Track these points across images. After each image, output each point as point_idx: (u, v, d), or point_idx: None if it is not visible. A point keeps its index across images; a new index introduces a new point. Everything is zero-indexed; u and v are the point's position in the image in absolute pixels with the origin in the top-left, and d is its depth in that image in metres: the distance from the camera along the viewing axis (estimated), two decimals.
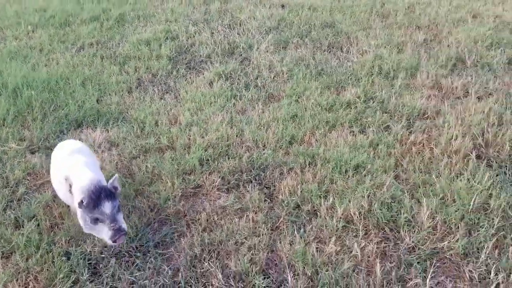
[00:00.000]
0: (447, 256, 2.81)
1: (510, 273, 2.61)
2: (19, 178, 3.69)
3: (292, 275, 2.72)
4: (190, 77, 5.32)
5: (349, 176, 3.46)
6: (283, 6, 7.36)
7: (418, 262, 2.78)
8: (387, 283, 2.66)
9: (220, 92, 4.81)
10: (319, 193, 3.31)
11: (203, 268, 2.81)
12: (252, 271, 2.76)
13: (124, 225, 2.53)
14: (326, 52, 5.68)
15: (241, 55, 5.78)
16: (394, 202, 3.18)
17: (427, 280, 2.63)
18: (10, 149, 4.06)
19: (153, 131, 4.29)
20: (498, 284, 2.57)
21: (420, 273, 2.70)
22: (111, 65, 5.66)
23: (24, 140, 4.24)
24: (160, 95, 4.98)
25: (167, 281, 2.73)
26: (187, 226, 3.19)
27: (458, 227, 2.93)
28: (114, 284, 2.75)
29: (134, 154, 3.97)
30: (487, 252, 2.75)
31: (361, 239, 2.93)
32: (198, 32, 6.55)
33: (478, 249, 2.80)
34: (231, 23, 6.80)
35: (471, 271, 2.68)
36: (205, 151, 3.87)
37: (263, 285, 2.66)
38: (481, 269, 2.68)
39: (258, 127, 4.15)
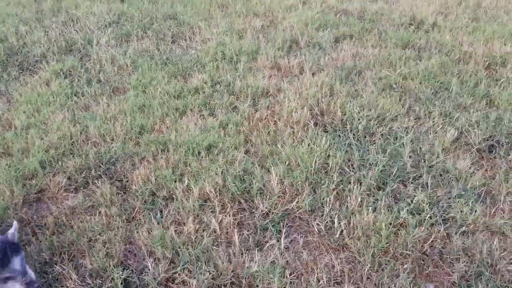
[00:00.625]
0: (297, 215, 3.00)
1: (350, 220, 2.87)
2: None
3: (152, 260, 2.65)
4: (24, 79, 4.84)
5: (202, 157, 3.48)
6: (122, 0, 7.09)
7: (272, 226, 2.92)
8: (246, 249, 2.74)
9: (59, 91, 4.46)
10: (174, 177, 3.27)
11: (54, 272, 2.59)
12: (109, 265, 2.62)
13: (33, 276, 2.28)
14: (170, 42, 5.64)
15: (80, 51, 5.43)
16: (246, 175, 3.29)
17: (282, 239, 2.77)
18: None
19: None
20: (342, 231, 2.82)
21: (274, 235, 2.84)
22: None
23: None
24: None
25: None
26: (33, 233, 2.90)
27: (304, 187, 3.14)
28: None
29: None
30: (330, 205, 3.00)
31: (218, 214, 2.97)
32: (30, 32, 5.98)
33: (322, 204, 3.04)
34: (67, 20, 6.35)
35: (318, 224, 2.90)
36: (47, 152, 3.56)
37: (123, 276, 2.54)
38: (326, 221, 2.92)
39: (104, 122, 3.95)
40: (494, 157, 3.45)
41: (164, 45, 5.49)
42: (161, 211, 3.03)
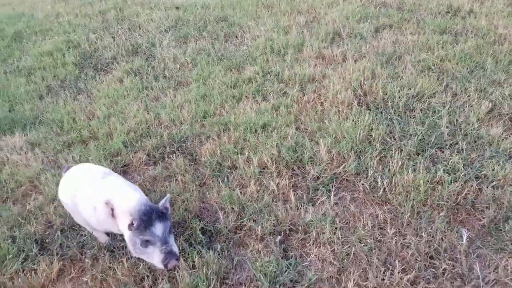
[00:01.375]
0: (344, 178, 3.42)
1: (392, 180, 3.26)
2: None
3: (222, 213, 3.16)
4: (100, 78, 5.54)
5: (258, 134, 3.97)
6: (177, 8, 7.76)
7: (322, 186, 3.35)
8: (301, 205, 3.19)
9: (131, 86, 5.11)
10: (236, 151, 3.78)
11: None
12: (188, 217, 3.15)
13: (176, 249, 2.30)
14: (223, 41, 6.20)
15: (145, 53, 6.09)
16: (298, 146, 3.74)
17: (331, 196, 3.21)
18: None
19: (72, 128, 4.49)
20: (384, 189, 3.22)
21: (324, 193, 3.28)
22: (17, 78, 5.68)
23: None
24: (73, 97, 5.15)
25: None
26: None
27: (349, 155, 3.55)
28: (63, 251, 2.99)
29: (58, 149, 4.16)
30: (374, 168, 3.40)
31: (275, 178, 3.44)
32: (100, 38, 6.73)
33: (366, 168, 3.44)
34: (130, 27, 7.07)
35: (363, 184, 3.31)
36: (127, 135, 4.17)
37: (200, 226, 3.06)
38: (370, 181, 3.32)
39: (173, 109, 4.53)
40: None
41: (219, 44, 6.05)
42: (227, 177, 3.53)
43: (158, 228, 2.25)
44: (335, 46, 5.50)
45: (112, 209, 2.34)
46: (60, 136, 4.39)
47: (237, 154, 3.73)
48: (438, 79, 4.46)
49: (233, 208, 3.17)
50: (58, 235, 3.10)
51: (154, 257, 2.26)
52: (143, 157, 3.88)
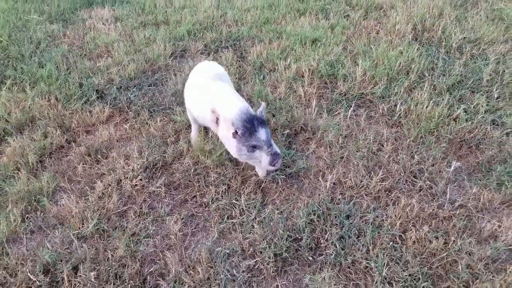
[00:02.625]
0: (368, 98, 3.62)
1: (410, 107, 3.41)
2: (41, 38, 4.48)
3: (249, 103, 3.56)
4: None
5: (307, 46, 4.21)
6: None
7: (345, 101, 3.60)
8: (319, 113, 3.49)
9: None
10: (280, 56, 4.08)
11: (182, 97, 3.65)
12: None
13: (278, 150, 2.38)
14: None
15: None
16: (337, 63, 3.95)
17: (350, 110, 3.46)
18: (33, 19, 4.81)
19: (151, 11, 5.02)
20: (400, 115, 3.39)
21: (344, 107, 3.52)
22: None
23: (44, 13, 4.97)
24: None
25: (155, 101, 3.59)
26: (174, 76, 4.00)
27: (382, 80, 3.71)
28: (115, 102, 3.61)
29: (135, 26, 4.73)
30: (399, 96, 3.55)
31: (306, 86, 3.73)
32: None
33: (392, 94, 3.60)
34: None
35: (383, 106, 3.49)
36: (193, 25, 4.62)
37: None
38: (390, 105, 3.49)
39: (240, 11, 4.86)
40: None
41: None
42: (264, 76, 3.89)
43: (262, 133, 2.32)
44: None
45: (217, 118, 2.47)
46: (140, 16, 4.95)
47: (280, 59, 4.04)
48: (504, 30, 4.29)
49: (258, 101, 3.54)
50: (114, 90, 3.71)
51: (262, 160, 2.35)
52: (200, 46, 4.32)
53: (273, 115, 3.43)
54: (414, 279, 2.24)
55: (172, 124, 3.33)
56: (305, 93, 3.65)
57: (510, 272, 2.23)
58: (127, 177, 2.89)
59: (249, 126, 2.31)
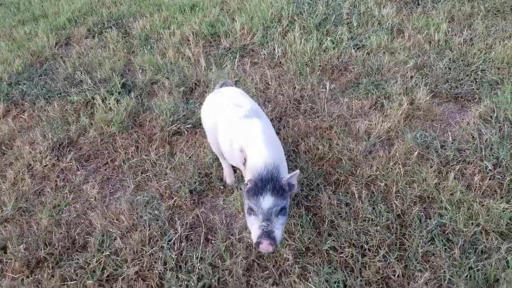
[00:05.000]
0: (250, 48, 3.92)
1: (286, 48, 3.76)
2: None
3: (141, 71, 3.70)
4: None
5: (187, 13, 4.40)
6: None
7: (230, 54, 3.86)
8: (209, 68, 3.71)
9: None
10: (163, 26, 4.23)
11: (76, 80, 3.69)
12: (113, 75, 3.68)
13: (278, 234, 1.79)
14: None
15: None
16: (217, 23, 4.19)
17: (235, 61, 3.73)
18: None
19: (27, 8, 4.88)
20: (279, 57, 3.73)
21: (231, 60, 3.79)
22: None
23: None
24: None
25: (49, 89, 3.60)
26: (62, 62, 3.99)
27: (258, 30, 4.02)
28: (8, 97, 3.56)
29: (13, 25, 4.59)
30: (276, 40, 3.89)
31: (192, 47, 3.93)
32: None
33: (270, 40, 3.93)
34: None
35: (264, 52, 3.81)
36: (72, 13, 4.59)
37: (122, 81, 3.60)
38: (270, 50, 3.82)
39: None
40: (415, 6, 4.15)
41: None
42: (151, 46, 4.03)
43: (266, 201, 1.80)
44: None
45: (245, 159, 2.06)
46: (16, 15, 4.80)
47: (164, 28, 4.19)
48: None
49: (151, 69, 3.69)
50: (4, 86, 3.65)
51: (252, 229, 1.86)
52: (83, 32, 4.32)
53: (167, 78, 3.60)
54: (309, 178, 2.59)
55: (70, 105, 3.38)
56: (193, 53, 3.86)
57: (382, 156, 2.67)
58: (36, 160, 2.93)
59: (259, 185, 1.83)
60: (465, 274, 2.00)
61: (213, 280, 2.12)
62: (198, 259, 2.21)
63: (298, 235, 2.26)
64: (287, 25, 4.05)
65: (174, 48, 3.90)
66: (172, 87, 3.47)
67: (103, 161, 2.94)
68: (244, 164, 2.06)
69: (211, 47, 3.98)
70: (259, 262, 2.20)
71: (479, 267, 2.03)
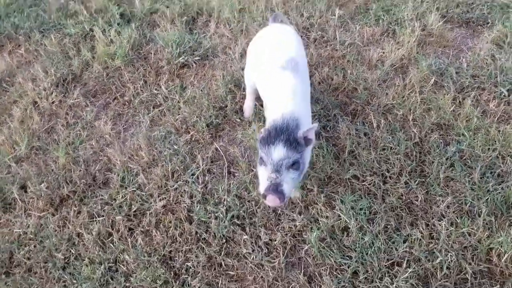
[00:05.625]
0: None
1: None
2: None
3: (138, 0, 3.49)
4: None
5: None
6: None
7: None
8: None
9: None
10: None
11: (71, 9, 3.47)
12: (109, 5, 3.46)
13: (286, 188, 1.65)
14: None
15: None
16: None
17: None
18: None
19: None
20: None
21: None
22: None
23: None
24: None
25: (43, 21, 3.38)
26: None
27: None
28: (0, 32, 3.35)
29: None
30: None
31: None
32: None
33: None
34: None
35: None
36: None
37: (119, 11, 3.40)
38: None
39: None
40: None
41: None
42: None
43: (277, 152, 1.67)
44: None
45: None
46: None
47: None
48: None
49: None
50: None
51: (261, 180, 1.75)
52: None
53: (167, 7, 3.42)
54: (326, 109, 2.58)
55: (68, 38, 3.21)
56: None
57: (397, 84, 2.65)
58: (41, 97, 2.82)
59: (272, 134, 1.72)
60: (485, 198, 2.08)
61: (241, 211, 2.16)
62: (225, 191, 2.24)
63: (320, 165, 2.29)
64: None
65: None
66: (174, 16, 3.31)
67: (112, 96, 2.86)
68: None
69: None
70: None
71: (498, 190, 2.11)
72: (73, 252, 2.11)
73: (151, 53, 3.06)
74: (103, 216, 2.21)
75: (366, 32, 3.03)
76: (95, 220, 2.20)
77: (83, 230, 2.16)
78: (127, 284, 1.99)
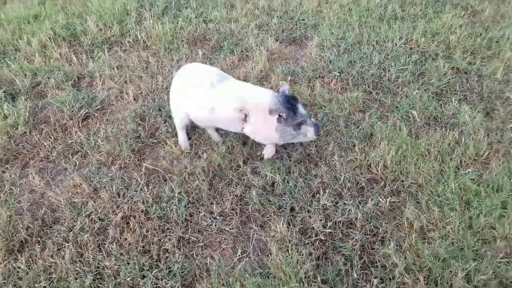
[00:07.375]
0: (113, 40, 4.27)
1: (148, 34, 4.25)
2: None
3: (19, 79, 3.72)
4: None
5: (32, 23, 4.43)
6: None
7: (97, 47, 4.15)
8: (83, 62, 3.95)
9: None
10: (15, 38, 4.22)
11: None
12: None
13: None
14: None
15: None
16: (69, 25, 4.39)
17: (106, 52, 4.05)
18: None
19: None
20: (144, 40, 4.19)
21: (100, 52, 4.09)
22: None
23: None
24: None
25: None
26: None
27: (114, 24, 4.38)
28: None
29: None
30: (135, 29, 4.33)
31: (57, 50, 4.07)
32: None
33: (128, 29, 4.35)
34: None
35: (128, 40, 4.22)
36: None
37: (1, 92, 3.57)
38: (132, 37, 4.25)
39: None
40: None
41: None
42: (14, 57, 4.01)
43: (301, 109, 2.35)
44: None
45: (246, 115, 2.43)
46: None
47: (17, 40, 4.19)
48: None
49: (25, 75, 3.74)
50: None
51: (307, 133, 2.41)
52: None
53: (48, 78, 3.72)
54: None
55: None
56: (61, 54, 4.03)
57: (267, 87, 3.48)
58: None
59: (290, 107, 2.30)
60: (353, 135, 2.97)
61: (190, 198, 2.62)
62: (170, 190, 2.67)
63: (237, 149, 2.90)
64: (137, 16, 4.54)
65: (38, 53, 4.00)
66: (58, 83, 3.63)
67: (27, 157, 3.02)
68: (245, 119, 2.44)
69: (75, 46, 4.20)
70: None
71: (360, 129, 3.02)
72: (55, 276, 2.26)
73: (50, 116, 3.32)
74: (69, 241, 2.41)
75: (227, 61, 3.85)
76: (64, 246, 2.39)
77: (56, 259, 2.32)
78: (118, 280, 2.24)
